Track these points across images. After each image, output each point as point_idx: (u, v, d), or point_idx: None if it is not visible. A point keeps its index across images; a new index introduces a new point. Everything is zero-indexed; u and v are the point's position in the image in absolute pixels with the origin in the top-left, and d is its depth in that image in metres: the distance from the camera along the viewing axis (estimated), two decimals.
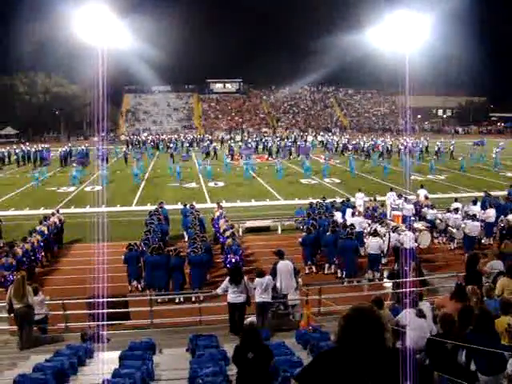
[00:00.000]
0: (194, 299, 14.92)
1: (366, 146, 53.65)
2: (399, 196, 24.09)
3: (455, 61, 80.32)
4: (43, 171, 39.96)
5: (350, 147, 55.15)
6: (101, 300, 11.20)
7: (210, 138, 70.88)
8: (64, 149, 49.35)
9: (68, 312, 12.84)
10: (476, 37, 73.82)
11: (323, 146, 59.92)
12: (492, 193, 27.24)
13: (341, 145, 58.07)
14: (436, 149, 51.78)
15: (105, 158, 44.18)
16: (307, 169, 39.70)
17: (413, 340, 8.22)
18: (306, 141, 62.35)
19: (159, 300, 14.85)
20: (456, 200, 23.40)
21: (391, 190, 26.06)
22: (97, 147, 48.40)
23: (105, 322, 11.10)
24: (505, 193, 27.51)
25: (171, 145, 57.12)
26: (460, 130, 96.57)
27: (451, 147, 52.31)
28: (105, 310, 11.37)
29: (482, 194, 25.82)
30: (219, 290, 12.34)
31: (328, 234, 17.98)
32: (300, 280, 13.69)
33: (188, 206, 22.81)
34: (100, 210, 26.74)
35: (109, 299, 12.34)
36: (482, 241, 20.62)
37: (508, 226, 19.95)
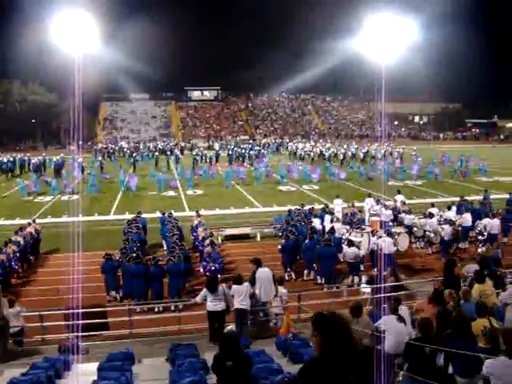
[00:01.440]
0: (173, 308, 14.82)
1: (327, 153, 54.44)
2: (377, 202, 24.30)
3: (432, 68, 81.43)
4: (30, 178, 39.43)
5: (312, 154, 55.70)
6: (78, 311, 11.06)
7: (182, 145, 71.12)
8: (38, 159, 48.58)
9: (45, 324, 12.65)
10: (452, 45, 74.99)
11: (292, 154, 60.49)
12: (468, 198, 27.64)
13: (302, 152, 58.56)
14: (396, 155, 52.79)
15: (81, 167, 43.57)
16: (282, 176, 40.04)
17: (392, 345, 8.28)
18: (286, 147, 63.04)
19: (138, 310, 14.74)
20: (433, 205, 23.66)
21: (369, 196, 26.26)
22: (73, 156, 47.87)
23: (83, 333, 10.96)
24: (480, 197, 27.90)
25: (135, 154, 55.57)
26: (441, 135, 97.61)
27: (413, 153, 52.94)
28: (82, 321, 11.23)
29: (457, 199, 26.19)
30: (198, 299, 12.29)
31: (307, 240, 18.04)
32: (285, 291, 13.63)
33: (166, 215, 22.72)
34: (77, 220, 26.45)
35: (86, 310, 12.20)
36: (459, 245, 20.86)
37: (456, 234, 20.21)
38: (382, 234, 18.27)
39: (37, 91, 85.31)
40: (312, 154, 57.17)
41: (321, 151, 57.85)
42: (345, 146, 60.16)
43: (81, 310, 11.19)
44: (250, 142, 77.68)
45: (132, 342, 12.29)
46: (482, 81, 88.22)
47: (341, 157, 52.52)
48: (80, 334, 10.70)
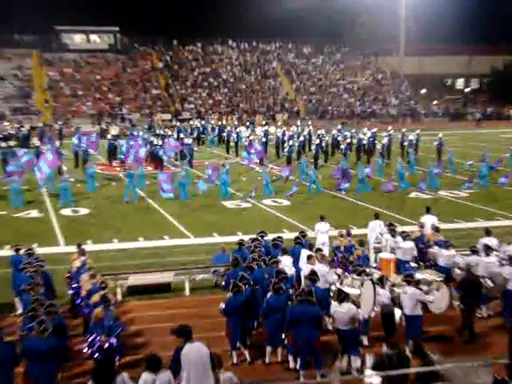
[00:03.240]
0: None
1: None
2: (390, 227, 24.39)
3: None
4: None
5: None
6: None
7: (43, 126, 70.86)
8: None
9: None
10: None
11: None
12: None
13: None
14: (405, 144, 54.19)
15: None
16: (224, 183, 40.34)
17: None
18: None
19: None
20: (488, 232, 23.83)
21: (376, 217, 26.44)
22: None
23: None
24: None
25: None
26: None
27: (435, 143, 54.45)
28: None
29: None
30: None
31: (270, 294, 18.01)
32: (230, 374, 13.57)
33: (23, 253, 22.40)
34: None
35: None
36: None
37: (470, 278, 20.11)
38: (399, 283, 18.38)
39: None
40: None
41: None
42: (321, 131, 60.37)
43: None
44: (176, 124, 77.44)
45: None
46: None
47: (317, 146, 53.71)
48: None
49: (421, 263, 22.28)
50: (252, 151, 50.45)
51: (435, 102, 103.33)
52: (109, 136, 61.29)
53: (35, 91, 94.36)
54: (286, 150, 53.87)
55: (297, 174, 45.36)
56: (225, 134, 67.15)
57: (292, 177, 45.10)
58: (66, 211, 35.98)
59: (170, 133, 64.27)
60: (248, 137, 60.38)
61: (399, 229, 24.71)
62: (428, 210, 27.43)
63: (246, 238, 24.64)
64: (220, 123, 76.42)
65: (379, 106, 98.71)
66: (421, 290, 18.21)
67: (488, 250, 21.19)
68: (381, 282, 18.44)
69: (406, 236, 23.41)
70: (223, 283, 21.12)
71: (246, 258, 21.53)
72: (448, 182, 43.38)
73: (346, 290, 18.08)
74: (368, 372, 16.06)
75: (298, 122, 74.71)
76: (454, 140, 65.32)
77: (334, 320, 17.44)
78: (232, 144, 63.30)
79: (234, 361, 17.35)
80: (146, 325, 20.09)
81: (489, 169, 43.52)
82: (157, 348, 16.37)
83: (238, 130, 67.81)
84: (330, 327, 18.34)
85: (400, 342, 15.90)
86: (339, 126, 67.65)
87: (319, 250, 22.31)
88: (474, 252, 21.43)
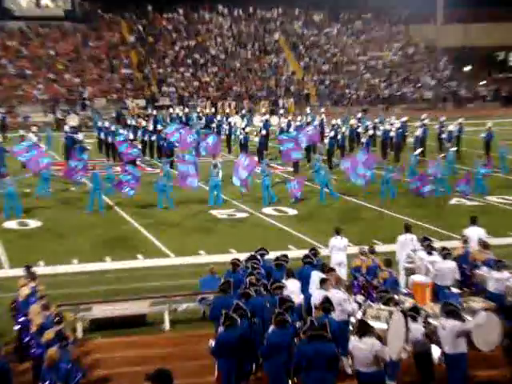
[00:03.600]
0: None
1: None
2: (425, 243, 24.33)
3: None
4: None
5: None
6: None
7: None
8: None
9: None
10: None
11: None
12: None
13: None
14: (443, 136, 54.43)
15: None
16: (215, 185, 40.10)
17: None
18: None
19: None
20: None
21: (407, 229, 26.37)
22: None
23: None
24: None
25: None
26: None
27: (483, 136, 54.41)
28: None
29: None
30: None
31: (272, 328, 17.95)
32: None
33: None
34: None
35: None
36: None
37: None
38: (437, 313, 18.30)
39: None
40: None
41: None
42: (336, 121, 60.17)
43: None
44: (151, 112, 77.42)
45: None
46: None
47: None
48: None
49: (465, 289, 22.20)
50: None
51: (483, 83, 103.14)
52: (66, 128, 61.10)
53: None
54: None
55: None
56: (214, 125, 66.89)
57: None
58: (12, 224, 35.95)
59: (144, 123, 63.35)
60: (244, 128, 60.01)
61: (437, 245, 24.69)
62: (474, 221, 27.29)
63: (242, 256, 24.58)
64: (208, 111, 76.20)
65: (411, 89, 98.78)
66: (464, 321, 18.05)
67: None
68: (415, 312, 18.22)
69: (445, 254, 23.15)
70: (210, 314, 21.02)
71: (241, 282, 21.48)
72: (499, 184, 43.40)
73: (371, 322, 17.83)
74: None
75: (308, 110, 74.58)
76: (507, 131, 65.33)
77: (353, 359, 17.21)
78: (223, 137, 62.89)
79: None
80: (113, 369, 19.98)
81: None
82: None
83: (230, 119, 67.44)
84: (348, 371, 18.23)
85: None
86: (359, 115, 67.59)
87: (332, 270, 22.07)
88: None
